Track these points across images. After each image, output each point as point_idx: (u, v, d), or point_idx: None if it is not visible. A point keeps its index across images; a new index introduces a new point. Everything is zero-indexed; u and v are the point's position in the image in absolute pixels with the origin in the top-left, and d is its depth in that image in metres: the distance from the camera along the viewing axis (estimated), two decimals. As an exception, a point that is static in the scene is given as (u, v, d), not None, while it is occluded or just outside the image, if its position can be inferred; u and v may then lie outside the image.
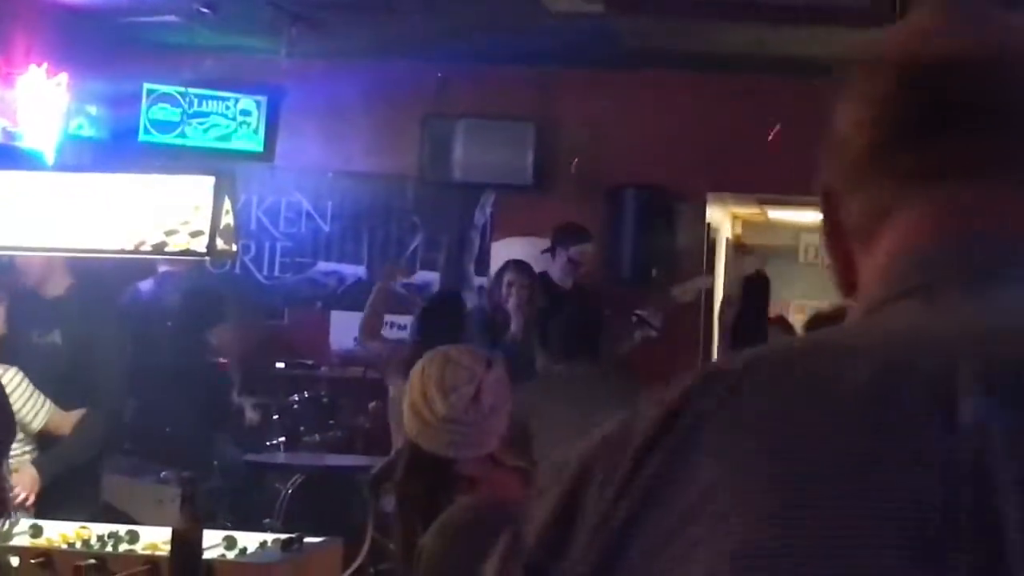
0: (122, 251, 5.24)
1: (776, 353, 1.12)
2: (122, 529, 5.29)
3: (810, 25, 7.32)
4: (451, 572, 3.00)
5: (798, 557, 0.97)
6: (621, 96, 9.82)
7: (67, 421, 6.12)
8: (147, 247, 5.15)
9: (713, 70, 9.47)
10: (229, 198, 5.24)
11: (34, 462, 6.02)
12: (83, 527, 5.30)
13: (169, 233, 5.11)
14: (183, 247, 5.12)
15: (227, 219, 5.23)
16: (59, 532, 5.20)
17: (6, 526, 4.95)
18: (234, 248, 5.40)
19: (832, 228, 1.23)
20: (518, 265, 8.25)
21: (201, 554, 4.03)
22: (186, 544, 3.92)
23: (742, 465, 1.02)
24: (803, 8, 7.03)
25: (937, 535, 0.96)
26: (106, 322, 6.18)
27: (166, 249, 5.15)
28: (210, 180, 5.18)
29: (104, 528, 5.29)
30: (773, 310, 12.32)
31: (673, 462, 1.04)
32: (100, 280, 6.33)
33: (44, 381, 6.00)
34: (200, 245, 5.11)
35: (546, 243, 9.21)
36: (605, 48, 9.11)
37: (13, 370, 5.89)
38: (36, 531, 5.14)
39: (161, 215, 5.12)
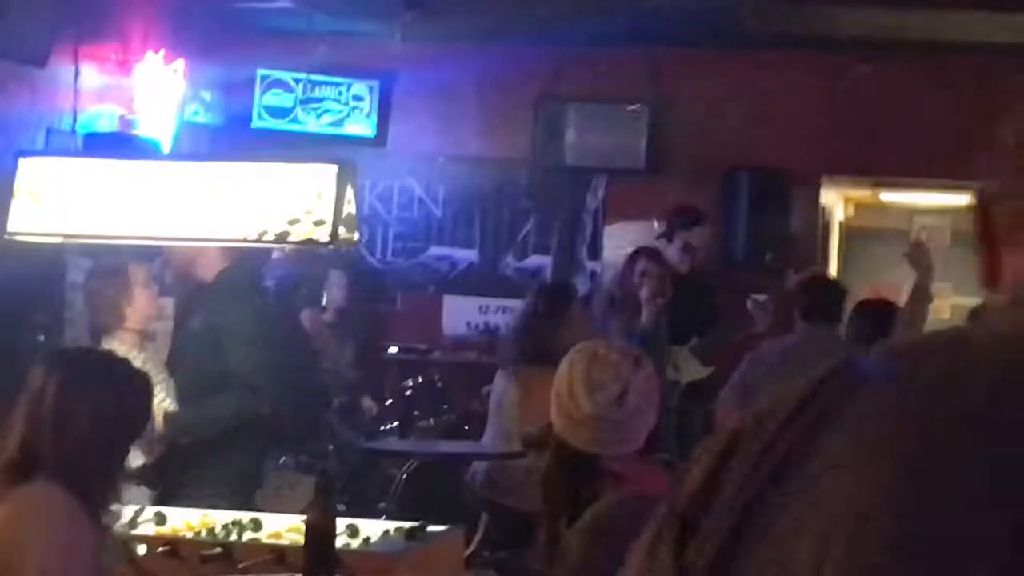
0: (245, 240, 5.25)
1: (912, 346, 1.17)
2: (245, 517, 5.29)
3: (952, 9, 7.18)
4: (597, 568, 2.97)
5: (911, 548, 1.01)
6: (735, 78, 9.72)
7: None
8: (270, 236, 5.14)
9: (828, 52, 9.34)
10: (351, 187, 5.22)
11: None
12: (207, 515, 5.31)
13: (292, 222, 5.10)
14: (307, 236, 5.11)
15: (349, 208, 5.22)
16: (183, 520, 5.20)
17: (132, 514, 4.96)
18: (356, 237, 5.40)
19: (983, 226, 1.27)
20: (651, 254, 8.18)
21: (334, 547, 4.01)
22: (321, 536, 3.90)
23: (866, 450, 1.06)
24: None
25: None
26: (237, 306, 6.14)
27: (289, 238, 5.14)
28: (333, 169, 5.17)
29: (227, 516, 5.29)
30: (884, 293, 12.19)
31: (802, 442, 1.09)
32: (245, 264, 6.30)
33: (183, 368, 6.01)
34: (323, 234, 5.10)
35: (659, 227, 9.14)
36: (719, 29, 9.01)
37: (142, 357, 5.91)
38: (160, 519, 5.14)
39: (284, 204, 5.12)
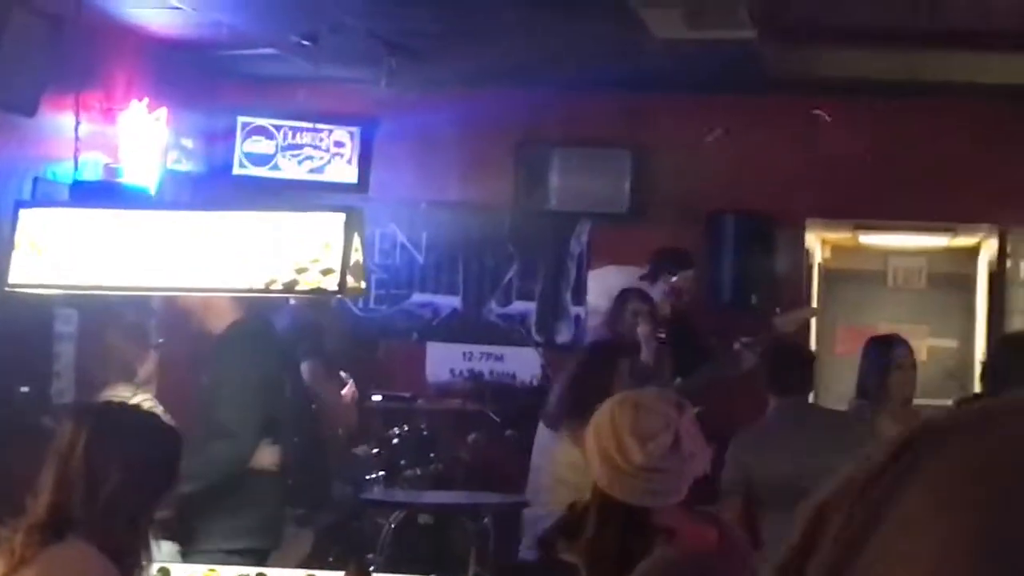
0: (251, 290, 5.18)
1: (990, 408, 1.08)
2: (252, 572, 5.22)
3: (973, 51, 7.21)
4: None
5: None
6: (718, 122, 9.72)
7: None
8: (278, 286, 5.07)
9: (812, 95, 9.35)
10: (359, 235, 5.16)
11: None
12: (211, 570, 5.24)
13: (300, 271, 5.04)
14: (315, 285, 5.04)
15: (356, 256, 5.16)
16: (188, 574, 5.14)
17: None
18: (363, 285, 5.34)
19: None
20: (640, 294, 8.16)
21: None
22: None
23: (942, 505, 1.00)
24: (968, 34, 6.92)
25: None
26: (247, 358, 6.08)
27: (297, 287, 5.07)
28: (340, 217, 5.11)
29: (233, 572, 5.22)
30: (860, 335, 12.21)
31: (879, 506, 1.02)
32: (256, 315, 6.23)
33: (192, 425, 5.93)
34: (332, 283, 5.04)
35: (643, 271, 9.12)
36: (703, 74, 9.01)
37: (144, 395, 5.85)
38: (164, 574, 5.06)
39: (291, 253, 5.05)
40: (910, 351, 7.33)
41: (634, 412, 3.26)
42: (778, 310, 8.78)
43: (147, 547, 3.52)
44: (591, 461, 3.29)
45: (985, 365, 5.86)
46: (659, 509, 3.21)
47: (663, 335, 7.86)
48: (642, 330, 7.86)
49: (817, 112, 9.47)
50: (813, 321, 10.62)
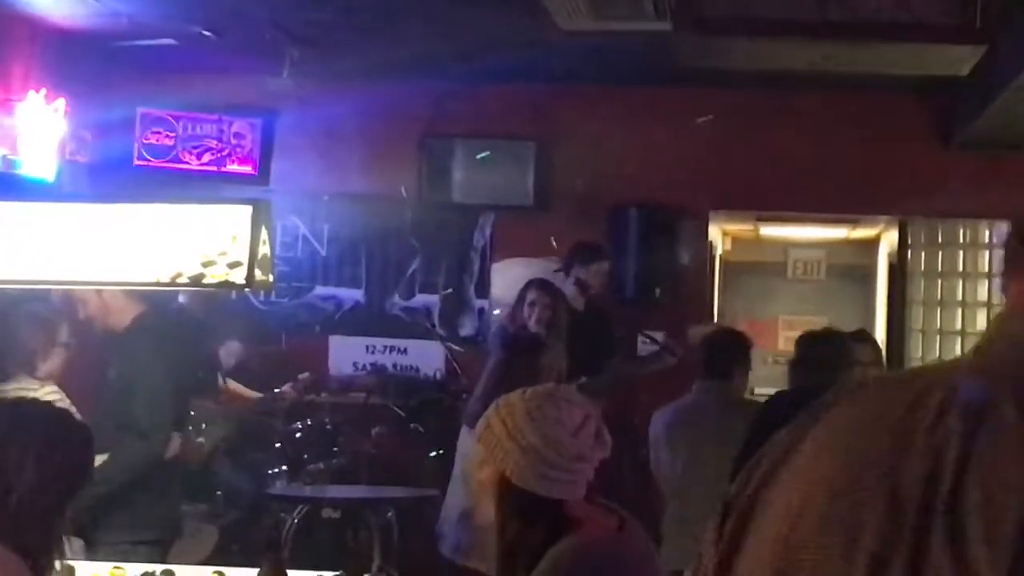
0: (158, 283, 5.11)
1: (863, 382, 1.48)
2: (158, 569, 5.16)
3: (889, 42, 7.27)
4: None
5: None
6: (621, 114, 9.75)
7: None
8: (184, 279, 5.02)
9: (712, 85, 9.39)
10: (266, 228, 5.13)
11: None
12: (117, 567, 5.18)
13: (207, 264, 5.00)
14: (222, 278, 5.00)
15: (264, 249, 5.12)
16: (92, 573, 5.07)
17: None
18: (271, 278, 5.30)
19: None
20: (541, 284, 8.14)
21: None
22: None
23: (819, 453, 1.35)
24: (884, 25, 6.98)
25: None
26: (151, 354, 6.02)
27: (204, 280, 5.02)
28: (247, 210, 5.07)
29: (138, 569, 5.16)
30: (761, 327, 12.33)
31: (786, 453, 1.39)
32: (160, 309, 6.17)
33: (100, 422, 5.85)
34: (239, 276, 4.99)
35: (548, 264, 9.15)
36: (605, 65, 9.03)
37: (50, 389, 5.77)
38: (69, 572, 4.99)
39: (198, 246, 5.01)
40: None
41: (557, 406, 3.26)
42: (690, 327, 8.81)
43: (60, 546, 3.47)
44: (499, 458, 3.26)
45: (793, 360, 6.03)
46: (573, 501, 3.21)
47: (549, 326, 7.84)
48: (533, 321, 7.86)
49: (702, 120, 9.53)
50: (715, 313, 10.72)
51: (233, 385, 8.75)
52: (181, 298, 7.66)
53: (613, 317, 8.74)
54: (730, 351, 6.79)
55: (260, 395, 9.07)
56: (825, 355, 5.80)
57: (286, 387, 9.24)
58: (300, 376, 9.35)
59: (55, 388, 5.93)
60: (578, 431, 3.25)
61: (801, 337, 6.19)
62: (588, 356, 8.09)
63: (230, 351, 9.03)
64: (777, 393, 6.24)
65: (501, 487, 3.27)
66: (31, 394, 5.14)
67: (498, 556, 3.27)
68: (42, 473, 3.34)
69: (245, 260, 4.99)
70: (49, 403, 4.18)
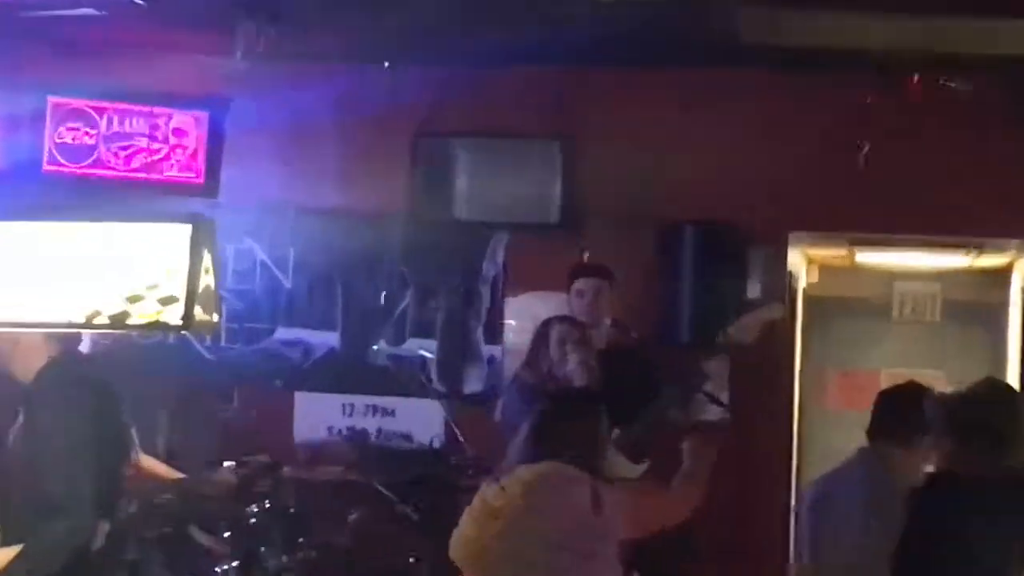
0: (70, 324, 5.19)
1: None
2: None
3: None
4: None
5: None
6: (671, 105, 9.79)
7: None
8: (103, 319, 5.10)
9: (788, 68, 9.42)
10: (210, 252, 5.20)
11: None
12: None
13: (133, 300, 5.07)
14: (152, 318, 5.08)
15: (208, 280, 5.20)
16: None
17: None
18: (215, 318, 5.37)
19: None
20: (564, 319, 8.23)
21: None
22: None
23: None
24: None
25: None
26: (60, 414, 6.04)
27: (129, 321, 5.10)
28: (185, 229, 5.15)
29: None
30: (858, 382, 12.34)
31: None
32: (71, 357, 6.21)
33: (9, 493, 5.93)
34: (174, 315, 5.07)
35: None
36: (655, 43, 9.04)
37: None
38: None
39: (122, 277, 5.08)
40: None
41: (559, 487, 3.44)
42: (734, 319, 8.86)
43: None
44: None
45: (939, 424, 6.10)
46: None
47: (590, 364, 7.93)
48: (573, 361, 7.93)
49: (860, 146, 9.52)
50: (796, 364, 10.73)
51: (148, 461, 8.74)
52: (85, 345, 7.65)
53: (648, 352, 8.76)
54: (906, 409, 6.84)
55: (182, 476, 9.03)
56: (993, 419, 5.81)
57: (224, 469, 9.20)
58: (246, 458, 9.33)
59: None
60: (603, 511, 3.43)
61: (960, 395, 6.20)
62: (621, 402, 8.11)
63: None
64: (936, 473, 6.27)
65: None
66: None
67: None
68: None
69: (182, 295, 5.06)
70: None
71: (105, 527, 6.18)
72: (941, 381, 10.43)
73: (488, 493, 3.95)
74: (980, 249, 11.47)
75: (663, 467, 7.49)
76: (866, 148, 9.51)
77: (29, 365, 6.06)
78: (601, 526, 3.66)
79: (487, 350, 10.09)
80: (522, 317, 9.75)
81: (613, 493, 4.01)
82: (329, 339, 10.20)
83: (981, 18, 7.68)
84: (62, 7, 8.60)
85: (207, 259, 5.15)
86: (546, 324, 8.24)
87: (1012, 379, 11.22)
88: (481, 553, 3.85)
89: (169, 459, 8.93)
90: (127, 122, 9.62)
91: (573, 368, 7.97)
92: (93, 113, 9.57)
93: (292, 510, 9.06)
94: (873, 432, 6.83)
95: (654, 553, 6.51)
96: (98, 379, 6.61)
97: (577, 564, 3.70)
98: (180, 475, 8.94)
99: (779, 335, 9.97)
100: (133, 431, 8.37)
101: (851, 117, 9.63)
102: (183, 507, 8.94)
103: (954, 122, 9.60)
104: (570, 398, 7.50)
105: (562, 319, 8.24)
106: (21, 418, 6.12)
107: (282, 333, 10.24)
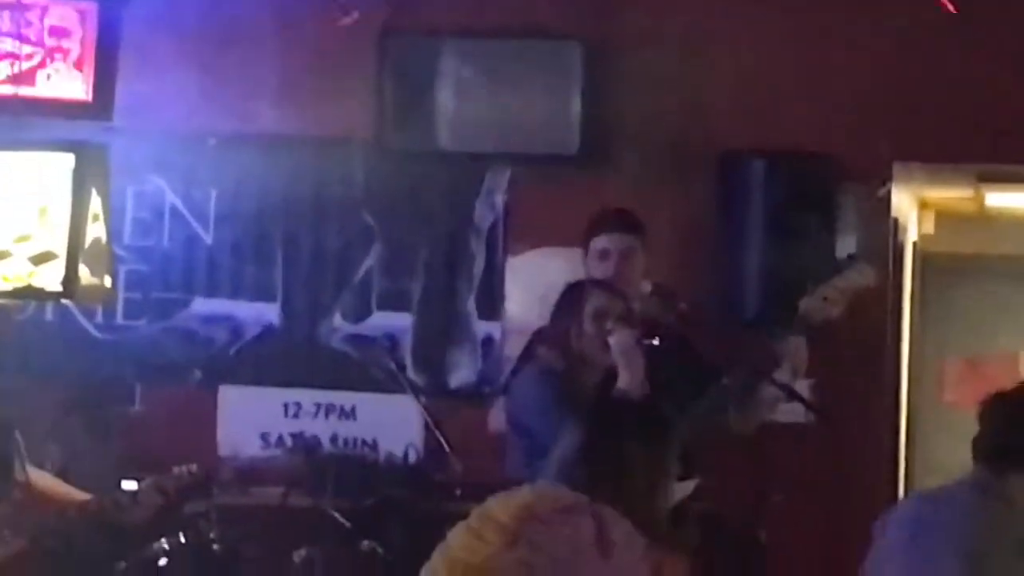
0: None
1: None
2: None
3: None
4: None
5: None
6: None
7: None
8: (-45, 282, 5.09)
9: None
10: (99, 194, 5.18)
11: None
12: None
13: (-1, 257, 5.06)
14: (23, 282, 5.07)
15: (96, 230, 5.18)
16: None
17: None
18: (109, 282, 5.36)
19: None
20: (599, 284, 8.21)
21: None
22: None
23: None
24: None
25: None
26: None
27: (-9, 286, 5.09)
28: (67, 160, 5.13)
29: None
30: (992, 368, 12.37)
31: None
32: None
33: None
34: (52, 278, 5.06)
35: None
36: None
37: None
38: None
39: (-19, 225, 5.07)
40: None
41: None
42: (809, 285, 8.87)
43: None
44: None
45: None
46: None
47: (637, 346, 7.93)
48: (618, 343, 7.91)
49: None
50: (905, 347, 10.72)
51: (38, 478, 8.78)
52: None
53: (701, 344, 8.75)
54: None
55: (87, 496, 9.08)
56: None
57: (145, 484, 9.24)
58: (177, 469, 9.37)
59: None
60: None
61: None
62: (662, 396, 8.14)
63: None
64: None
65: None
66: None
67: None
68: None
69: (62, 250, 5.05)
70: None
71: None
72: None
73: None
74: None
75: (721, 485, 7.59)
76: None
77: None
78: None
79: (481, 327, 10.09)
80: (529, 283, 9.76)
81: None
82: (266, 313, 10.20)
83: None
84: None
85: (96, 202, 5.14)
86: (573, 291, 8.23)
87: None
88: None
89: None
90: (-11, 18, 9.65)
91: (620, 351, 7.94)
92: (-59, 6, 9.60)
93: (215, 547, 9.09)
94: (981, 450, 6.82)
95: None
96: None
97: None
98: (84, 495, 8.99)
99: (879, 307, 10.00)
100: (17, 437, 8.46)
101: (968, 18, 9.65)
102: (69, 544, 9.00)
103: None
104: (632, 408, 7.42)
105: (598, 285, 8.22)
106: None
107: (200, 305, 10.24)
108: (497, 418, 9.14)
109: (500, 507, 4.05)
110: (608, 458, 6.05)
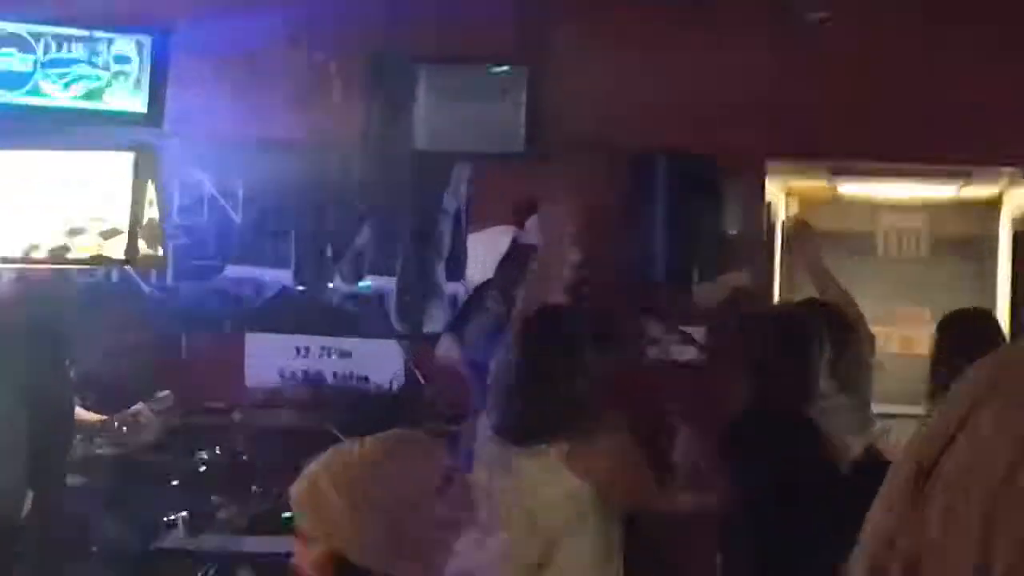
0: (5, 260, 5.19)
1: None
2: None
3: None
4: None
5: None
6: (646, 24, 9.78)
7: None
8: (43, 253, 5.10)
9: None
10: (154, 184, 5.20)
11: None
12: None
13: (73, 233, 5.07)
14: (93, 252, 5.09)
15: (151, 212, 5.20)
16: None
17: None
18: (161, 252, 5.37)
19: None
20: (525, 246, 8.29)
21: None
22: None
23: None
24: None
25: None
26: None
27: (69, 255, 5.10)
28: (128, 158, 5.15)
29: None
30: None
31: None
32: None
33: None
34: (117, 249, 5.08)
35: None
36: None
37: None
38: None
39: (61, 208, 5.07)
40: None
41: (413, 456, 3.61)
42: (696, 278, 8.88)
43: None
44: (333, 534, 3.54)
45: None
46: None
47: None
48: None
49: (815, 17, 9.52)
50: (775, 299, 10.73)
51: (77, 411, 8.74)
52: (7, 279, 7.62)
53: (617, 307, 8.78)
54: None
55: (102, 418, 9.02)
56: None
57: (139, 406, 9.22)
58: (159, 394, 9.38)
59: None
60: (443, 490, 3.43)
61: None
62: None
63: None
64: None
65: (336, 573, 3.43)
66: None
67: None
68: None
69: (125, 228, 5.07)
70: None
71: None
72: (924, 316, 10.49)
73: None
74: (968, 179, 11.50)
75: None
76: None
77: None
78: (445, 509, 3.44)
79: (450, 287, 10.09)
80: (486, 252, 9.75)
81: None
82: (281, 277, 10.21)
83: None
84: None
85: (151, 190, 5.16)
86: (514, 250, 8.26)
87: (1002, 315, 11.28)
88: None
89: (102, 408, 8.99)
90: (65, 47, 9.57)
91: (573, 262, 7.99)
92: (29, 38, 9.52)
93: (244, 457, 9.10)
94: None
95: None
96: (37, 321, 6.60)
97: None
98: (98, 416, 8.96)
99: (756, 271, 10.02)
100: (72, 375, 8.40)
101: (829, 36, 9.65)
102: (123, 459, 8.98)
103: (942, 40, 9.61)
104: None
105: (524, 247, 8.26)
106: None
107: (231, 271, 10.25)
108: (442, 346, 9.20)
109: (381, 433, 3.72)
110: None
